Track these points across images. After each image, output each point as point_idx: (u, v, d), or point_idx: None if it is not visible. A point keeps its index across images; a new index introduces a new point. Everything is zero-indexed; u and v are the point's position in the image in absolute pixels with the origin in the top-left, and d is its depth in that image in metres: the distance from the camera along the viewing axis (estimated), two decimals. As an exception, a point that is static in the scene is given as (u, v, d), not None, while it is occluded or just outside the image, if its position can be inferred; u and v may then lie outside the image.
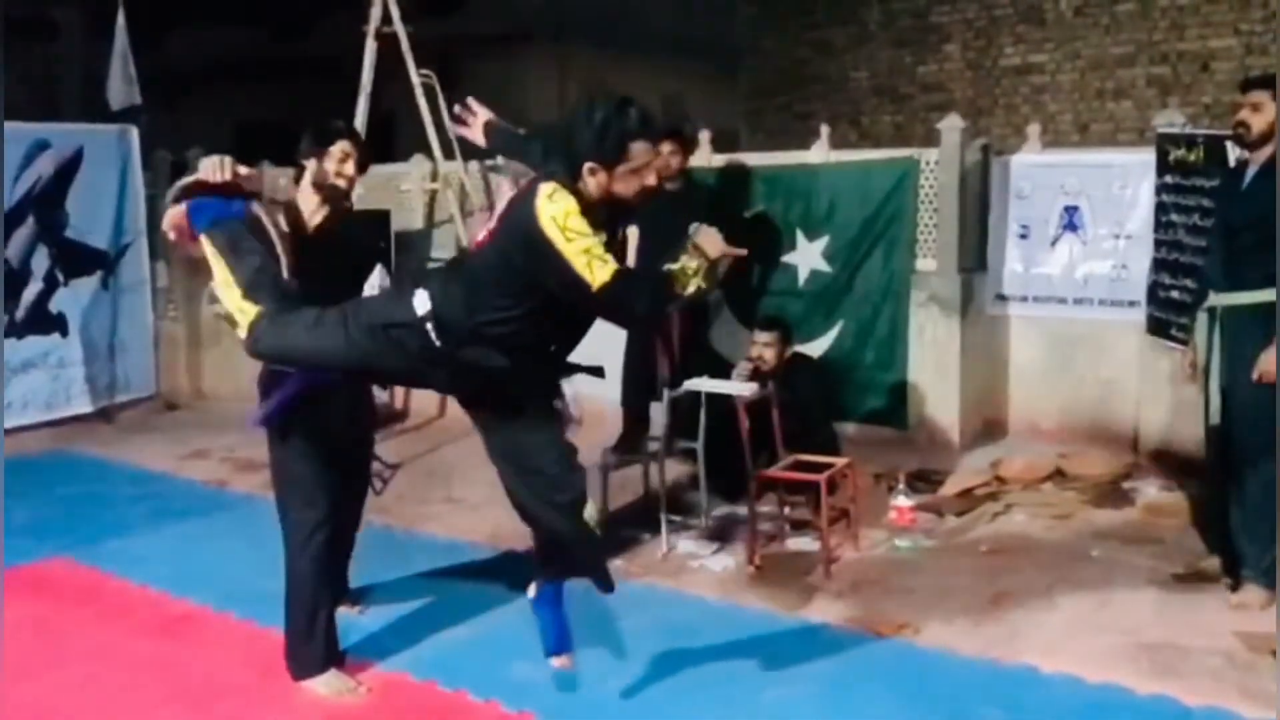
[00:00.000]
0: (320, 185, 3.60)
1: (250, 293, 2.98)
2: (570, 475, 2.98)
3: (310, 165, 3.61)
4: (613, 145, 2.75)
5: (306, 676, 3.50)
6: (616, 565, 4.50)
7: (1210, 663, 3.50)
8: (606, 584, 3.17)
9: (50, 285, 7.08)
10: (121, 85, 7.34)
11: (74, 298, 7.15)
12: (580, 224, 2.67)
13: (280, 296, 3.01)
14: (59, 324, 7.13)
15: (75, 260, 7.09)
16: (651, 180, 2.85)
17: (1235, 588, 3.98)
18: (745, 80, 12.35)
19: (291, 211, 3.62)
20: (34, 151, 6.86)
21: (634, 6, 16.72)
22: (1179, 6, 9.58)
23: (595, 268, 2.66)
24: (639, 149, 2.78)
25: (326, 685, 3.48)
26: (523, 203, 2.75)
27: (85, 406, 7.24)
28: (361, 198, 6.67)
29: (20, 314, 6.93)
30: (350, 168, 3.61)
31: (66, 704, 3.45)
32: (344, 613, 3.95)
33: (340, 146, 3.61)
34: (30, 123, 7.08)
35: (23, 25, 13.72)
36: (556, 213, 2.67)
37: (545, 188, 2.72)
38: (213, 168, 3.15)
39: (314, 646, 3.50)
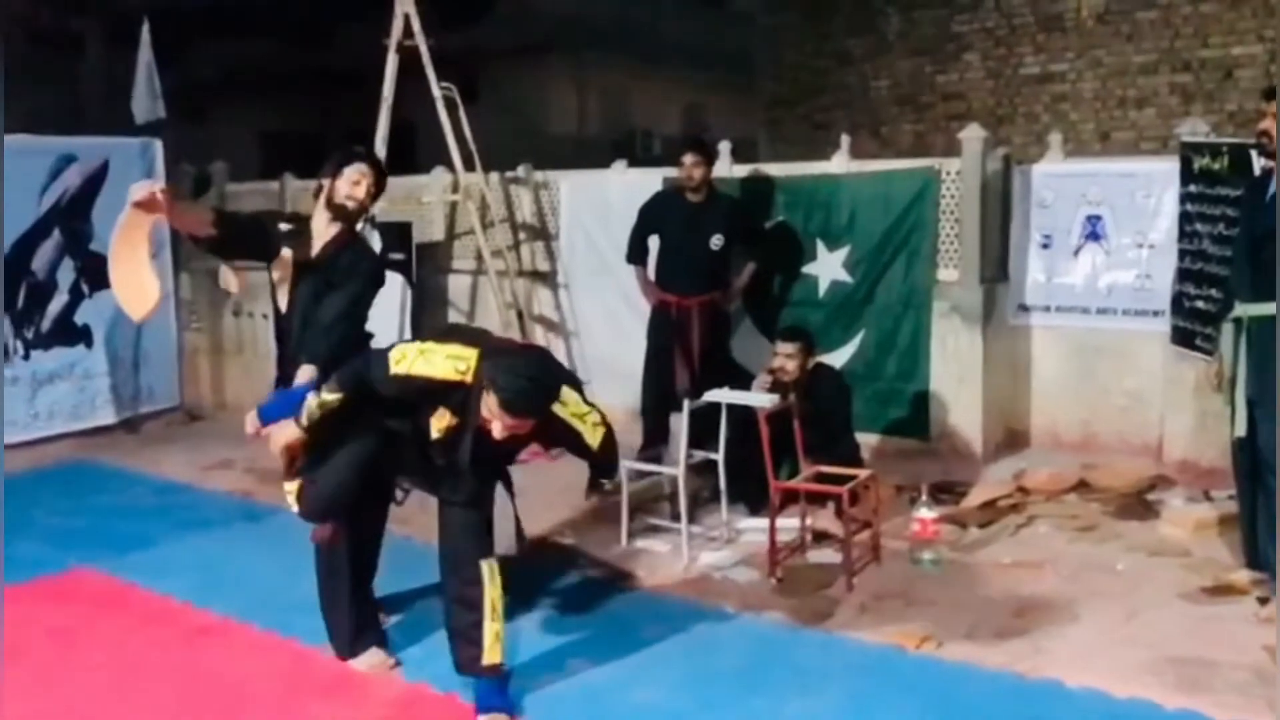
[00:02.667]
0: (330, 204, 3.73)
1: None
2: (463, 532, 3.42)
3: (326, 183, 3.73)
4: (488, 382, 3.14)
5: (338, 656, 3.74)
6: (638, 577, 4.50)
7: (1238, 677, 3.46)
8: (474, 663, 3.39)
9: (76, 297, 7.15)
10: (146, 98, 7.42)
11: (99, 309, 7.22)
12: (422, 364, 3.22)
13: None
14: (84, 335, 7.20)
15: (100, 272, 7.09)
16: (496, 433, 3.16)
17: (1264, 601, 3.94)
18: (764, 90, 12.35)
19: (304, 233, 3.71)
20: (60, 165, 6.95)
21: (653, 18, 16.78)
22: (1202, 14, 9.52)
23: (396, 356, 3.25)
24: (491, 403, 3.11)
25: (364, 663, 3.71)
26: None
27: (110, 417, 7.29)
28: (383, 210, 6.75)
29: (46, 325, 7.01)
30: (361, 191, 3.75)
31: (89, 713, 3.47)
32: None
33: (355, 169, 3.76)
34: (56, 136, 7.16)
35: (48, 39, 13.90)
36: (435, 349, 3.26)
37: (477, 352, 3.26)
38: (140, 190, 3.41)
39: (338, 628, 3.75)
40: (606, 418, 3.53)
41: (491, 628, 3.36)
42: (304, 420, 3.36)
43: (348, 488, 3.51)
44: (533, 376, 3.17)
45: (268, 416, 3.49)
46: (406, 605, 4.16)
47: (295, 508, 3.58)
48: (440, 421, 3.33)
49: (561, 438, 3.43)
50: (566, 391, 3.38)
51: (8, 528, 5.20)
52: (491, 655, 3.36)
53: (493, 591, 3.38)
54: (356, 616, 3.75)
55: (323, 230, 3.79)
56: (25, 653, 3.86)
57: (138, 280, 3.60)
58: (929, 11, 10.94)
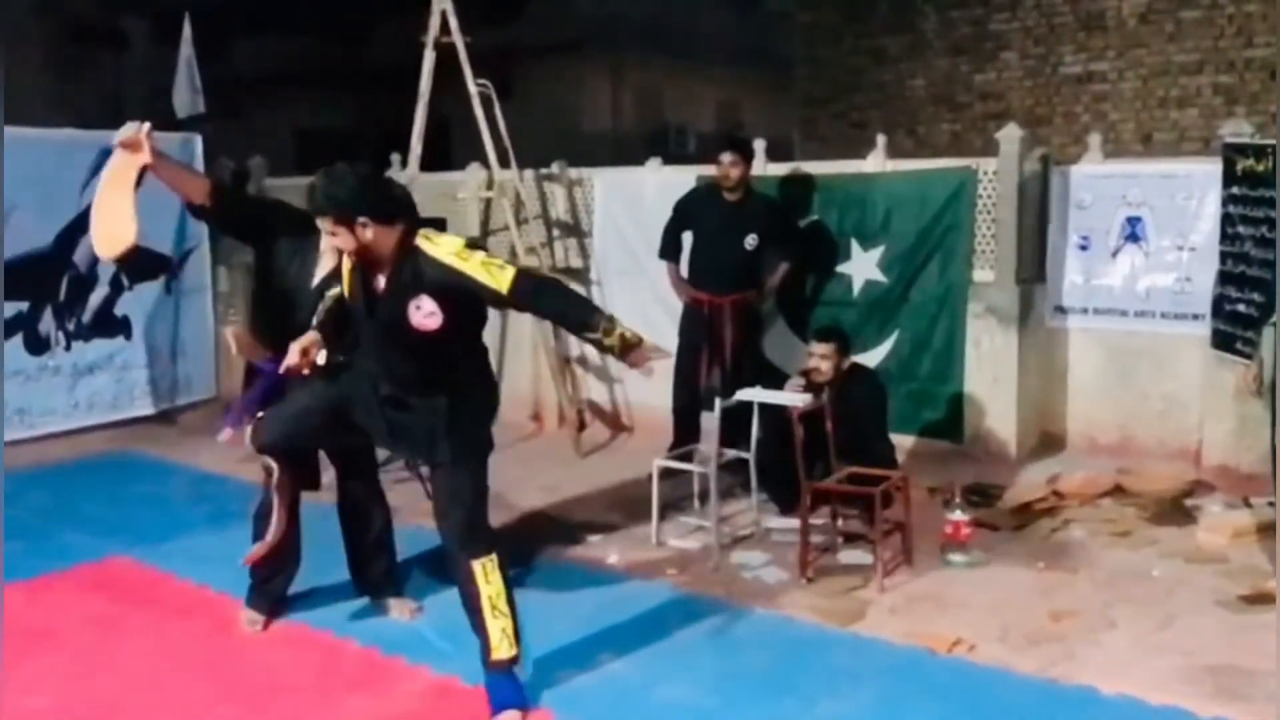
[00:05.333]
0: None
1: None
2: (446, 524, 3.38)
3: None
4: None
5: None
6: (668, 575, 4.50)
7: (1275, 686, 3.40)
8: (485, 657, 3.37)
9: (116, 289, 7.25)
10: (187, 94, 7.51)
11: (138, 302, 7.32)
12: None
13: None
14: (124, 327, 7.30)
15: (140, 265, 7.25)
16: (324, 246, 3.39)
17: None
18: (800, 88, 12.29)
19: (309, 245, 3.75)
20: (102, 159, 6.95)
21: (688, 15, 16.76)
22: (1246, 13, 9.38)
23: None
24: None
25: (244, 617, 4.01)
26: None
27: (148, 408, 7.39)
28: (418, 206, 6.78)
29: (87, 317, 7.12)
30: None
31: (125, 701, 3.52)
32: (395, 616, 4.01)
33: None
34: (99, 130, 7.24)
35: (92, 35, 14.11)
36: None
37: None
38: (126, 130, 3.51)
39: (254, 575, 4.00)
40: (537, 270, 3.46)
41: (495, 625, 3.33)
42: (314, 321, 3.48)
43: (300, 418, 3.53)
44: (335, 170, 3.20)
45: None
46: (435, 599, 4.17)
47: (249, 440, 3.60)
48: (346, 274, 3.35)
49: (457, 288, 3.13)
50: (443, 237, 3.24)
51: (47, 517, 5.32)
52: (499, 651, 3.34)
53: (489, 589, 3.33)
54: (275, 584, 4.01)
55: (331, 256, 3.71)
56: (63, 640, 3.93)
57: (116, 220, 3.56)
58: (967, 10, 10.84)
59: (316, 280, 3.76)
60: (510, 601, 3.39)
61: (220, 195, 3.76)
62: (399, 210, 3.22)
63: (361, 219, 3.12)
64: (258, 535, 3.82)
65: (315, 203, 3.19)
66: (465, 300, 3.19)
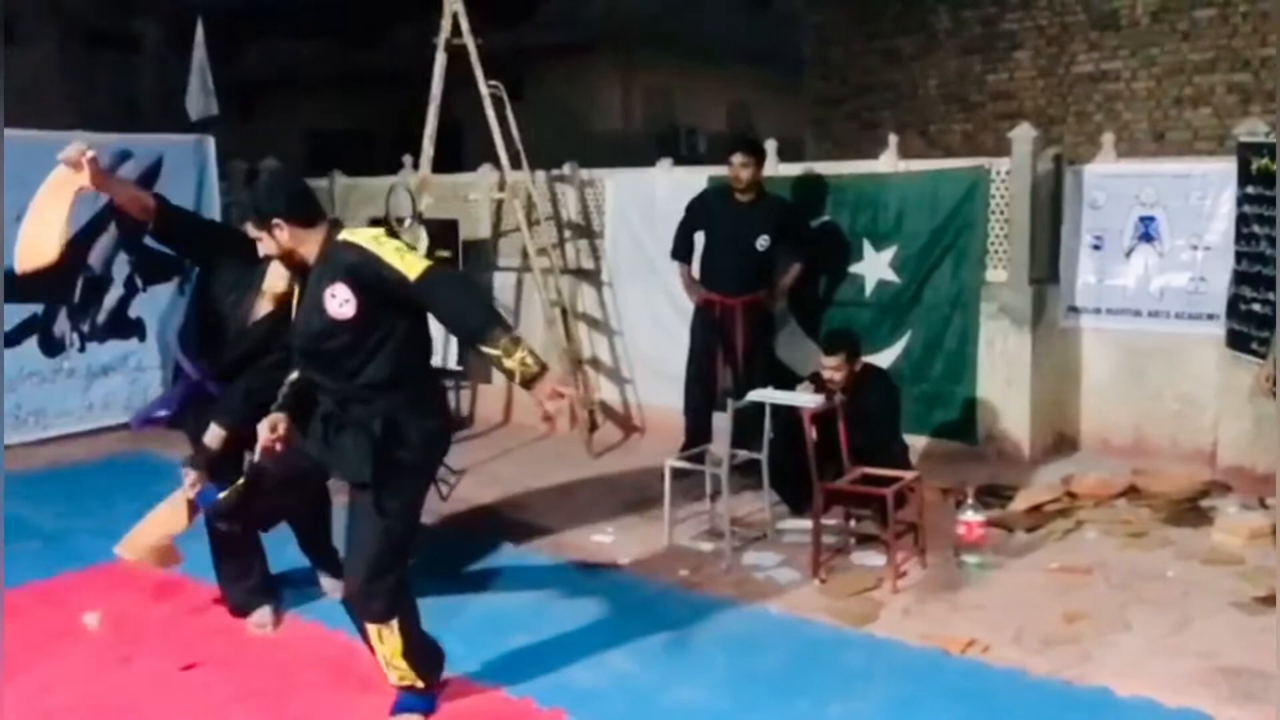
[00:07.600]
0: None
1: None
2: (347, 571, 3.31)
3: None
4: None
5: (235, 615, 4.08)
6: (680, 576, 4.50)
7: (1277, 688, 3.40)
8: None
9: (130, 291, 7.28)
10: (200, 96, 7.53)
11: (152, 303, 7.35)
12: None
13: None
14: (138, 328, 7.33)
15: (153, 267, 7.28)
16: (260, 249, 3.26)
17: (1320, 612, 3.85)
18: (811, 89, 12.29)
19: (255, 276, 3.75)
20: (116, 161, 7.06)
21: (699, 16, 16.74)
22: (1261, 11, 9.33)
23: None
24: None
25: (253, 623, 4.03)
26: None
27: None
28: (430, 207, 6.81)
29: (101, 318, 7.15)
30: (283, 285, 3.63)
31: (141, 701, 3.54)
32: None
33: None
34: (112, 133, 7.29)
35: (106, 39, 14.19)
36: None
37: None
38: (71, 149, 3.52)
39: (237, 591, 4.07)
40: (455, 271, 3.44)
41: (392, 672, 3.32)
42: (277, 402, 3.38)
43: (278, 493, 3.51)
44: (259, 178, 3.22)
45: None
46: (447, 600, 4.17)
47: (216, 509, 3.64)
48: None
49: (369, 272, 3.03)
50: (364, 229, 3.24)
51: (65, 517, 5.35)
52: (401, 683, 3.36)
53: (384, 649, 3.26)
54: (253, 581, 4.08)
55: (269, 300, 3.75)
56: (79, 640, 3.95)
57: (42, 234, 3.54)
58: (979, 9, 10.83)
59: (251, 321, 3.81)
60: (410, 652, 3.28)
61: (163, 216, 3.80)
62: (317, 212, 3.22)
63: (276, 221, 3.15)
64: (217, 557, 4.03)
65: (255, 199, 3.23)
66: (380, 288, 3.05)
